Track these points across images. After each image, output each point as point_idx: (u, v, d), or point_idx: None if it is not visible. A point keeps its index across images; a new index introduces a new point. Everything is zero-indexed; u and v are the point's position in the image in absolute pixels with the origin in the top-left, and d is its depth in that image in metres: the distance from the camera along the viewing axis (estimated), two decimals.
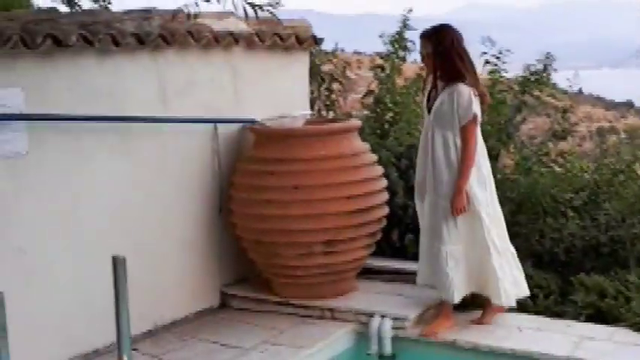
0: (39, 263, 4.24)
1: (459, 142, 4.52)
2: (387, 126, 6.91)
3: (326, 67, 7.35)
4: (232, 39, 5.33)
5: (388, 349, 4.71)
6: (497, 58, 6.82)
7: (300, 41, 5.87)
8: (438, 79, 4.59)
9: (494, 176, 5.99)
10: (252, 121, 5.40)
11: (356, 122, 5.45)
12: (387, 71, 7.14)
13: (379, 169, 5.31)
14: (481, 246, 4.59)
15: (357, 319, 4.89)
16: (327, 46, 7.11)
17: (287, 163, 4.96)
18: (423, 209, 4.77)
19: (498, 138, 6.47)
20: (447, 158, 4.54)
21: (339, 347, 4.75)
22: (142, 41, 4.69)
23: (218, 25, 5.25)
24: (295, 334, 4.76)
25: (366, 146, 5.34)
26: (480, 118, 4.57)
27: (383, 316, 4.77)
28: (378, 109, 7.02)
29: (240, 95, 5.50)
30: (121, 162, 4.69)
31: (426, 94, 4.75)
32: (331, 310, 4.98)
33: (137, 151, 4.79)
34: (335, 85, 7.38)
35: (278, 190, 4.95)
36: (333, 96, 7.31)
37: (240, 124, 5.44)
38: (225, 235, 5.35)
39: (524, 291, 4.84)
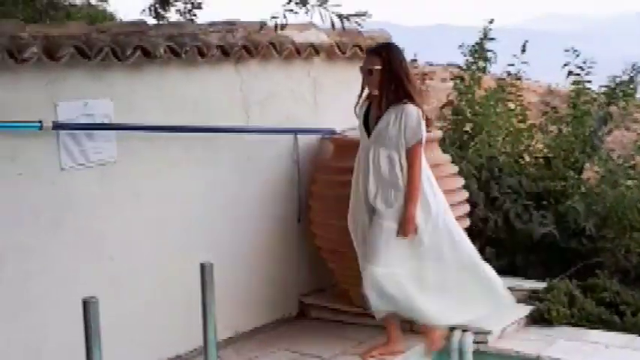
0: (125, 269, 4.35)
1: (404, 163, 4.33)
2: (466, 137, 6.83)
3: None
4: (313, 50, 5.37)
5: None
6: (581, 68, 6.67)
7: None
8: (384, 98, 4.35)
9: (578, 188, 5.86)
10: (332, 132, 5.41)
11: (437, 133, 5.40)
12: (467, 82, 7.05)
13: (460, 181, 5.25)
14: (417, 270, 4.40)
15: None
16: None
17: None
18: (358, 231, 4.54)
19: (582, 150, 6.32)
20: (393, 179, 4.35)
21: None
22: (226, 53, 4.78)
23: (299, 37, 5.30)
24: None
25: (447, 157, 5.29)
26: (424, 141, 4.38)
27: (464, 330, 4.70)
28: (458, 121, 6.94)
29: (320, 106, 5.53)
30: (205, 171, 4.77)
31: (363, 111, 4.53)
32: (410, 322, 4.92)
33: (220, 161, 4.87)
34: None
35: None
36: None
37: (320, 135, 5.46)
38: (304, 244, 5.38)
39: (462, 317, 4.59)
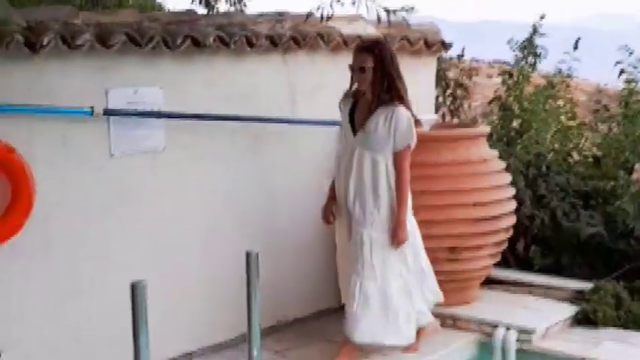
0: (171, 256, 4.39)
1: (390, 167, 4.15)
2: (513, 133, 6.74)
3: (450, 73, 7.26)
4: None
5: None
6: (634, 67, 6.53)
7: (428, 45, 5.82)
8: (375, 98, 4.14)
9: (628, 188, 5.75)
10: None
11: (485, 128, 5.34)
12: (515, 78, 6.96)
13: (507, 177, 5.19)
14: (395, 278, 4.26)
15: (481, 330, 4.79)
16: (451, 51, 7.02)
17: (413, 168, 4.87)
18: (341, 231, 4.40)
19: (633, 150, 6.18)
20: (375, 185, 4.16)
21: (461, 357, 4.66)
22: (274, 43, 4.78)
23: (347, 29, 5.28)
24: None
25: (495, 153, 5.23)
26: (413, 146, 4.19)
27: (508, 328, 4.65)
28: (505, 117, 6.85)
29: None
30: (252, 161, 4.79)
31: (348, 108, 4.32)
32: (453, 318, 4.90)
33: (267, 151, 4.88)
34: (459, 92, 7.28)
35: None
36: (458, 102, 7.21)
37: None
38: None
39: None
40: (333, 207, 4.41)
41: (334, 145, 5.25)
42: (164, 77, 4.33)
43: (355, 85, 4.28)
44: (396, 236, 4.14)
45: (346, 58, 5.29)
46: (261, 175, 4.86)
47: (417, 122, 4.23)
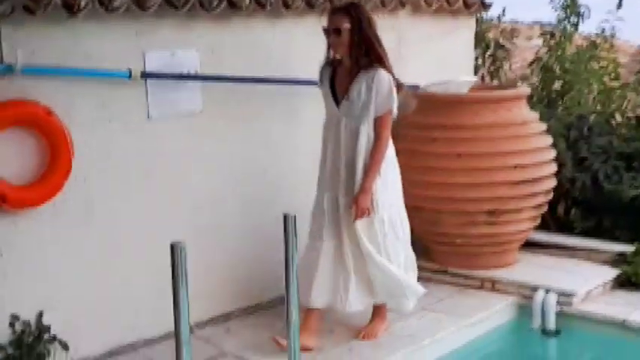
0: (209, 218, 4.41)
1: (372, 135, 3.93)
2: (554, 95, 6.61)
3: (489, 34, 7.13)
4: (398, 2, 5.27)
5: (552, 324, 4.55)
6: None
7: (467, 5, 5.71)
8: (355, 63, 3.91)
9: None
10: (416, 87, 5.32)
11: (526, 90, 5.25)
12: (557, 38, 6.80)
13: (548, 139, 5.10)
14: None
15: (520, 292, 4.75)
16: (491, 12, 6.89)
17: (452, 130, 4.86)
18: (323, 205, 4.09)
19: None
20: (358, 155, 3.93)
21: (500, 320, 4.63)
22: (310, 4, 4.73)
23: None
24: (454, 303, 4.70)
25: (535, 115, 5.14)
26: (395, 111, 3.97)
27: (547, 291, 4.61)
28: (546, 78, 6.72)
29: (404, 60, 5.40)
30: (288, 125, 4.77)
31: (328, 80, 4.07)
32: (492, 281, 4.87)
33: (302, 115, 4.85)
34: (499, 53, 7.14)
35: (441, 157, 4.87)
36: (497, 63, 7.08)
37: (404, 90, 5.36)
38: None
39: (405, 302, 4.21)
40: None
41: None
42: (201, 40, 4.31)
43: (332, 50, 4.03)
44: (357, 203, 3.88)
45: (384, 20, 5.20)
46: (297, 139, 4.84)
47: (400, 87, 3.99)
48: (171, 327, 2.49)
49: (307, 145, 4.86)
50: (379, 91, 3.87)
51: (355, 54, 3.89)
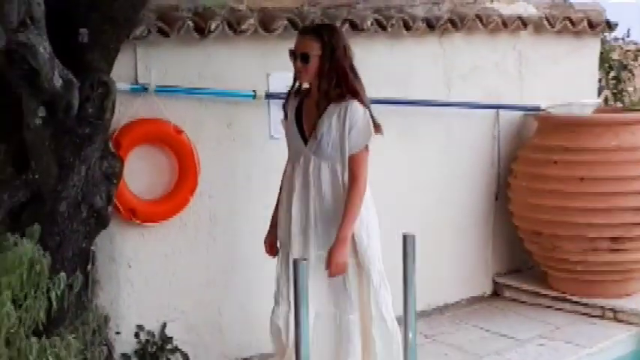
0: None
1: (347, 176, 3.29)
2: None
3: (613, 55, 6.92)
4: (520, 23, 5.19)
5: None
6: None
7: (592, 26, 5.57)
8: (323, 94, 3.27)
9: None
10: (537, 108, 5.23)
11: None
12: None
13: None
14: (367, 313, 3.43)
15: None
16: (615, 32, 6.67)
17: (573, 153, 4.74)
18: (287, 270, 3.38)
19: None
20: (337, 201, 3.31)
21: (622, 350, 4.45)
22: (431, 26, 4.74)
23: (507, 10, 5.15)
24: (574, 332, 4.56)
25: None
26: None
27: None
28: None
29: (525, 81, 5.35)
30: (406, 145, 4.77)
31: (293, 113, 3.43)
32: (614, 310, 4.69)
33: (421, 135, 4.85)
34: (623, 74, 6.92)
35: (562, 181, 4.75)
36: (621, 85, 6.86)
37: (523, 111, 5.29)
38: (500, 223, 5.26)
39: None
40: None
41: (489, 128, 5.17)
42: None
43: (297, 77, 3.41)
44: (333, 256, 3.21)
45: (504, 40, 5.21)
46: (416, 160, 4.84)
47: (377, 127, 3.34)
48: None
49: (423, 165, 4.87)
50: (353, 125, 3.25)
51: (325, 85, 3.25)
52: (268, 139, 4.22)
